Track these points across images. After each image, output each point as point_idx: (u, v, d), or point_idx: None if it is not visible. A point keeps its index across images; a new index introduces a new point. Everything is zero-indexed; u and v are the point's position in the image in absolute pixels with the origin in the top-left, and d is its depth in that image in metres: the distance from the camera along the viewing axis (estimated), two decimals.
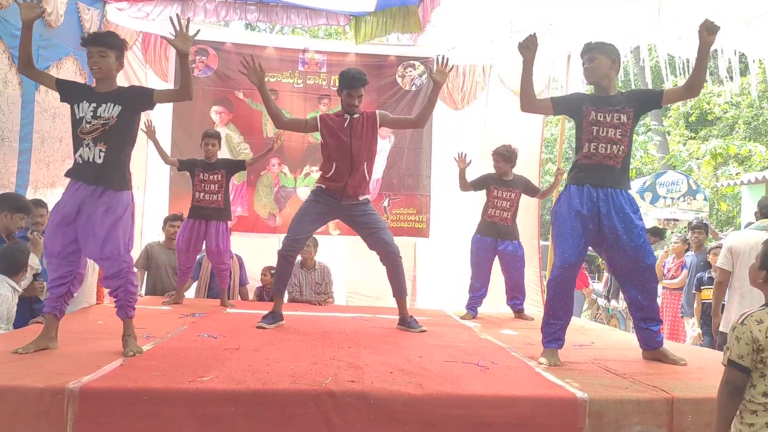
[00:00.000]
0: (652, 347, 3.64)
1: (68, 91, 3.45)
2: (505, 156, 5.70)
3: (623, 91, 3.69)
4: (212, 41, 8.16)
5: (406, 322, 4.58)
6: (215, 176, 5.58)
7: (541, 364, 3.35)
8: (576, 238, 3.47)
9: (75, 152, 3.35)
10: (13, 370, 2.76)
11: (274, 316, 4.44)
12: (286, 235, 4.56)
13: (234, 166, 5.85)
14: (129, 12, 7.42)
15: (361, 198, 4.55)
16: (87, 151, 3.28)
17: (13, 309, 4.31)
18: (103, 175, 3.28)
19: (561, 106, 3.74)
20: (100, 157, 3.27)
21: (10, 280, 4.27)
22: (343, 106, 4.55)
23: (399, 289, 4.63)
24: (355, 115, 4.49)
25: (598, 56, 3.56)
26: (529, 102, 3.69)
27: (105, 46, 3.37)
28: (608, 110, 3.52)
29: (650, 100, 3.63)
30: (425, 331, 4.48)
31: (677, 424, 2.70)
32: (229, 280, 5.76)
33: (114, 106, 3.32)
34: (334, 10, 7.87)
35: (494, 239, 5.69)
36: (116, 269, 3.28)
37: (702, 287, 6.57)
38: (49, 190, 6.52)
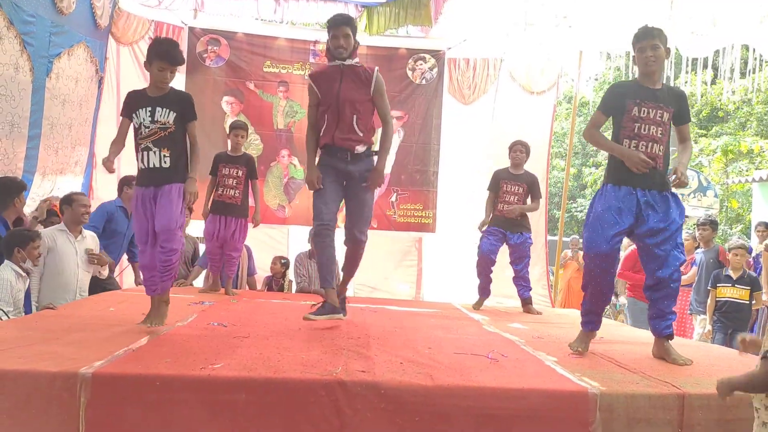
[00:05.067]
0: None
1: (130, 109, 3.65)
2: (528, 148, 5.83)
3: (670, 86, 3.57)
4: (224, 31, 8.17)
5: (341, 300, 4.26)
6: (235, 170, 5.56)
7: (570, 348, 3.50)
8: (606, 228, 3.38)
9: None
10: (25, 354, 2.78)
11: (325, 308, 3.94)
12: (314, 220, 4.08)
13: (252, 168, 5.75)
14: (141, 0, 7.42)
15: (357, 149, 4.02)
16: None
17: (20, 294, 4.34)
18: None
19: (608, 111, 3.52)
20: (166, 162, 3.54)
21: (15, 265, 4.29)
22: (330, 51, 4.06)
23: (350, 270, 4.37)
24: (348, 61, 4.01)
25: (660, 45, 3.38)
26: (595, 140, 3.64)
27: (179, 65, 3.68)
28: (651, 106, 3.37)
29: (681, 114, 3.47)
30: (342, 317, 4.09)
31: (688, 419, 2.69)
32: (236, 269, 5.77)
33: (169, 112, 3.54)
34: (346, 0, 7.86)
35: (503, 231, 5.73)
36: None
37: (718, 284, 6.47)
38: (58, 176, 6.55)
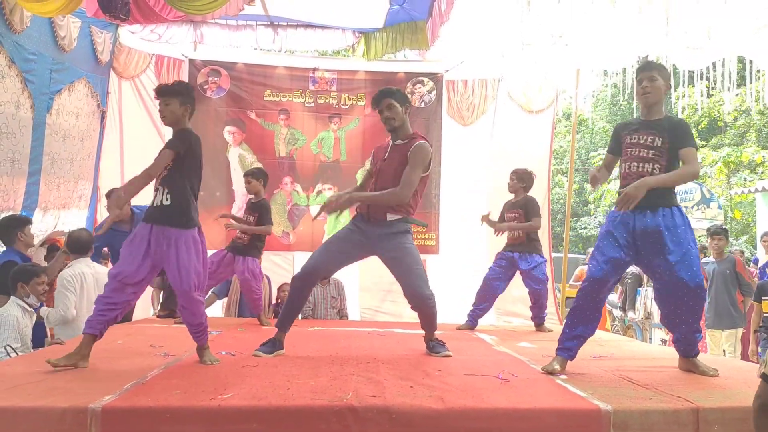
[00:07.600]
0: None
1: None
2: (521, 176, 5.77)
3: (672, 116, 3.58)
4: (224, 62, 8.25)
5: (430, 347, 4.15)
6: (248, 218, 5.57)
7: (542, 369, 3.41)
8: (605, 255, 3.41)
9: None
10: (34, 390, 2.77)
11: (274, 344, 3.92)
12: (304, 264, 3.99)
13: (262, 215, 5.64)
14: (141, 34, 7.52)
15: (389, 218, 4.02)
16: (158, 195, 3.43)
17: (27, 329, 4.33)
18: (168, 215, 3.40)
19: (612, 149, 3.67)
20: (167, 200, 3.39)
21: (20, 301, 4.29)
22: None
23: (429, 328, 4.17)
24: (398, 142, 4.15)
25: (658, 77, 3.44)
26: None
27: (166, 95, 3.48)
28: (642, 132, 3.44)
29: (676, 138, 3.39)
30: (450, 356, 4.02)
31: None
32: (261, 304, 5.75)
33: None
34: (343, 26, 7.95)
35: (513, 255, 5.69)
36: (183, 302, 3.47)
37: (764, 297, 5.99)
38: (62, 211, 6.58)
